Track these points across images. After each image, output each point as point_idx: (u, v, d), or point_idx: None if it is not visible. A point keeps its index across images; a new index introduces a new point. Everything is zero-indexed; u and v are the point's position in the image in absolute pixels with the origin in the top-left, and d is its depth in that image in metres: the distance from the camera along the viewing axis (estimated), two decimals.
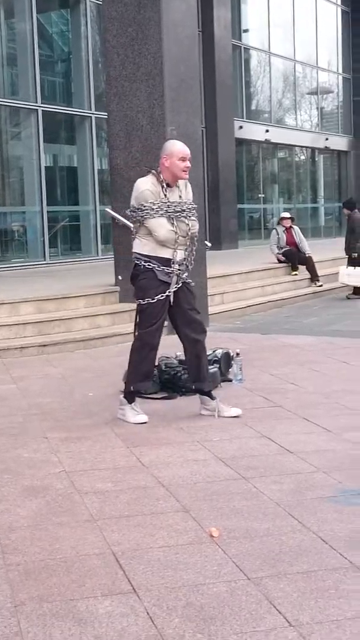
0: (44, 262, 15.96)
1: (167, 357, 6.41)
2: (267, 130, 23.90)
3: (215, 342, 7.51)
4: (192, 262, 5.61)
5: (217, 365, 6.52)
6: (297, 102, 26.83)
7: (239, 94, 23.09)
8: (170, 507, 3.84)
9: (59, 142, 18.25)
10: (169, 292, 5.40)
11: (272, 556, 3.24)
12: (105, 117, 10.56)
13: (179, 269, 5.42)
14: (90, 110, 17.45)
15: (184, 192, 5.47)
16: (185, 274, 5.50)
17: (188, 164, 5.37)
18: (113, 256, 10.39)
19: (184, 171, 5.37)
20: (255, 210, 24.66)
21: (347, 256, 13.43)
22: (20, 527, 3.64)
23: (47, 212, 16.25)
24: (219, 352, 6.68)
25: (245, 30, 24.02)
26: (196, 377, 5.62)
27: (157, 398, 6.13)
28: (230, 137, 20.92)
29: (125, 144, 9.76)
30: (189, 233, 5.43)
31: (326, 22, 27.67)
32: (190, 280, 5.57)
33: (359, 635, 2.61)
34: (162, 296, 5.38)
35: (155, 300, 5.38)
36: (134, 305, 9.70)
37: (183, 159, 5.34)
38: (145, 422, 5.45)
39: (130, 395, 5.58)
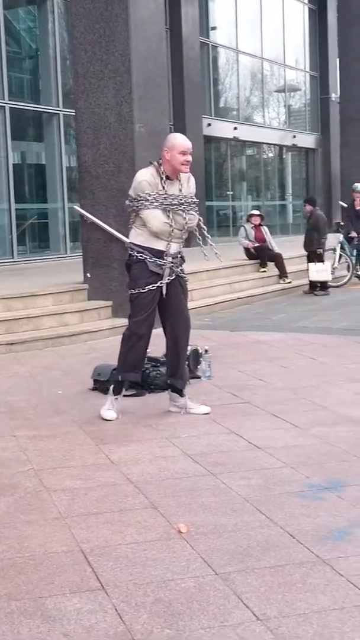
0: (12, 260, 15.87)
1: None
2: (235, 128, 23.96)
3: None
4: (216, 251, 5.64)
5: (186, 362, 6.52)
6: (264, 99, 26.93)
7: (207, 92, 23.13)
8: (138, 503, 3.85)
9: (27, 140, 18.15)
10: (161, 283, 5.39)
11: (240, 551, 3.26)
12: (73, 114, 10.53)
13: (172, 262, 5.42)
14: (58, 107, 17.37)
15: (185, 186, 5.46)
16: (180, 268, 5.50)
17: (189, 157, 5.34)
18: (82, 254, 10.37)
19: (183, 165, 5.34)
20: (223, 208, 24.71)
21: (307, 252, 13.47)
22: None
23: (15, 209, 16.16)
24: (187, 349, 6.68)
25: (213, 28, 24.06)
26: (173, 372, 5.63)
27: (126, 395, 6.12)
28: (199, 135, 20.93)
29: (93, 142, 9.74)
30: (186, 227, 5.43)
31: (293, 20, 27.79)
32: (184, 275, 5.57)
33: (325, 628, 2.64)
34: (152, 287, 5.37)
35: (145, 290, 5.37)
36: (102, 303, 9.79)
37: (184, 153, 5.31)
38: (110, 420, 5.46)
39: (117, 386, 5.57)
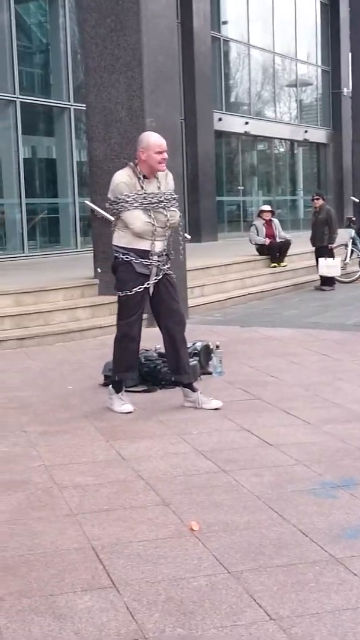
0: (23, 255, 15.87)
1: (147, 350, 6.39)
2: (246, 123, 23.88)
3: (195, 335, 7.49)
4: (174, 252, 5.62)
5: (197, 358, 6.50)
6: (276, 94, 26.83)
7: (218, 86, 23.06)
8: (150, 500, 3.82)
9: (38, 134, 18.14)
10: (148, 284, 5.40)
11: (252, 549, 3.23)
12: (84, 108, 10.49)
13: (158, 261, 5.41)
14: (69, 101, 17.35)
15: (164, 183, 5.46)
16: (167, 266, 5.49)
17: (165, 155, 5.36)
18: (92, 249, 10.35)
19: (160, 163, 5.36)
20: (234, 203, 24.66)
21: (315, 248, 13.34)
22: None
23: (26, 204, 16.15)
24: (198, 345, 6.67)
25: (225, 22, 23.96)
26: (175, 369, 5.64)
27: (136, 391, 6.10)
28: (210, 129, 20.89)
29: (104, 136, 9.71)
30: (168, 224, 5.41)
31: (305, 14, 27.66)
32: (171, 272, 5.57)
33: (339, 628, 2.61)
34: (139, 288, 5.39)
35: (133, 292, 5.38)
36: (113, 298, 9.69)
37: (159, 152, 5.33)
38: (130, 412, 5.48)
39: (116, 385, 5.60)
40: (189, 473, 4.21)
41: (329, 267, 12.91)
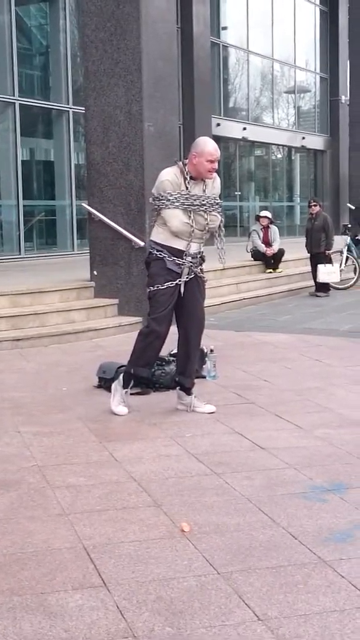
0: (19, 256, 15.89)
1: None
2: (244, 128, 23.96)
3: None
4: (223, 255, 5.66)
5: None
6: (274, 100, 26.91)
7: (217, 92, 23.12)
8: (142, 501, 3.86)
9: (36, 136, 18.17)
10: (179, 281, 5.41)
11: (242, 551, 3.26)
12: (83, 111, 10.54)
13: (191, 261, 5.43)
14: (68, 104, 17.39)
15: (210, 187, 5.47)
16: (199, 268, 5.51)
17: (215, 165, 5.37)
18: (89, 251, 10.38)
19: (209, 172, 5.37)
20: (231, 208, 24.71)
21: (310, 254, 13.33)
22: None
23: (23, 206, 16.18)
24: (199, 350, 6.69)
25: (224, 28, 24.04)
26: (182, 370, 5.65)
27: (131, 393, 6.13)
28: (208, 135, 20.89)
29: (103, 139, 9.75)
30: (207, 227, 5.43)
31: (305, 21, 27.77)
32: (203, 275, 5.58)
33: (326, 629, 2.65)
34: (171, 283, 5.39)
35: (164, 287, 5.39)
36: (108, 301, 9.81)
37: (211, 161, 5.34)
38: (121, 415, 5.50)
39: (128, 378, 5.58)
40: (181, 475, 4.24)
41: (330, 273, 12.94)
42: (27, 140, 17.13)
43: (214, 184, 5.51)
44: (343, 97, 28.14)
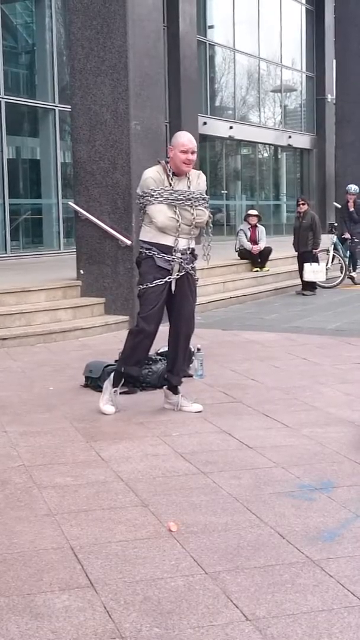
0: (5, 255, 15.84)
1: None
2: (231, 127, 23.97)
3: None
4: (209, 253, 5.63)
5: None
6: (260, 99, 26.94)
7: (204, 90, 23.12)
8: (129, 501, 3.84)
9: (22, 135, 18.12)
10: (169, 278, 5.40)
11: (230, 551, 3.25)
12: (69, 110, 10.50)
13: (181, 258, 5.41)
14: (54, 102, 17.34)
15: (195, 183, 5.46)
16: (190, 265, 5.49)
17: (189, 156, 5.35)
18: (75, 250, 10.35)
19: (184, 163, 5.36)
20: (217, 207, 24.71)
21: (298, 253, 13.33)
22: None
23: (9, 204, 16.13)
24: (189, 348, 6.68)
25: (211, 27, 24.06)
26: (171, 368, 5.67)
27: (119, 392, 6.12)
28: (194, 133, 20.80)
29: (89, 138, 9.72)
30: (194, 222, 5.42)
31: (291, 20, 27.81)
32: (194, 272, 5.55)
33: (314, 629, 2.64)
34: (160, 281, 5.38)
35: (153, 284, 5.37)
36: (95, 300, 9.78)
37: (184, 152, 5.32)
38: (108, 414, 5.49)
39: (117, 377, 5.58)
40: (168, 474, 4.23)
41: (315, 272, 12.96)
42: (13, 139, 17.07)
43: (199, 180, 5.51)
44: (329, 96, 28.17)
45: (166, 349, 6.55)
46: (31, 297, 9.42)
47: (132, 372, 5.60)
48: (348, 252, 14.54)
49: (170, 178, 5.38)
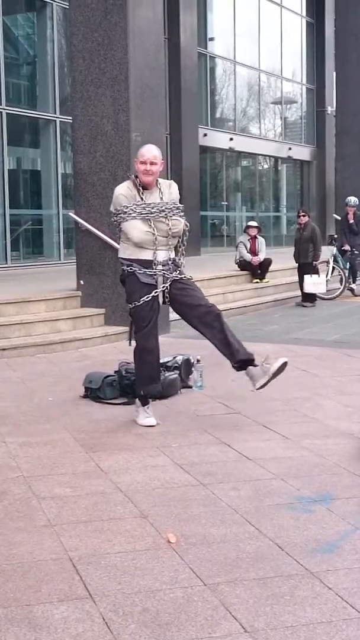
0: (6, 265, 15.87)
1: (128, 363, 6.39)
2: (231, 139, 24.03)
3: (176, 349, 7.53)
4: (182, 260, 5.57)
5: (178, 372, 6.54)
6: (261, 111, 27.02)
7: (204, 102, 23.20)
8: (128, 512, 3.84)
9: (23, 145, 18.18)
10: (155, 292, 5.39)
11: (228, 562, 3.25)
12: (70, 121, 10.54)
13: (162, 269, 5.41)
14: (55, 114, 17.40)
15: (167, 193, 5.49)
16: (175, 273, 5.45)
17: (148, 167, 5.38)
18: (75, 261, 10.37)
19: (143, 174, 5.40)
20: (217, 218, 24.78)
21: (298, 264, 13.35)
22: None
23: (10, 215, 16.16)
24: (179, 359, 6.70)
25: (211, 39, 24.15)
26: (231, 353, 5.48)
27: (116, 404, 6.13)
28: (195, 145, 21.00)
29: (90, 149, 9.75)
30: (170, 233, 5.42)
31: (291, 32, 27.92)
32: (183, 276, 5.51)
33: None
34: (147, 298, 5.38)
35: (141, 302, 5.38)
36: (95, 310, 9.79)
37: (143, 162, 5.38)
38: (152, 426, 5.45)
39: (142, 399, 5.58)
40: (167, 486, 4.23)
41: (315, 284, 12.97)
42: (14, 149, 17.13)
43: (171, 190, 5.54)
44: (329, 108, 28.25)
45: (167, 359, 6.59)
46: (31, 307, 9.43)
47: (152, 390, 5.58)
48: (348, 263, 14.57)
49: (141, 192, 5.41)
